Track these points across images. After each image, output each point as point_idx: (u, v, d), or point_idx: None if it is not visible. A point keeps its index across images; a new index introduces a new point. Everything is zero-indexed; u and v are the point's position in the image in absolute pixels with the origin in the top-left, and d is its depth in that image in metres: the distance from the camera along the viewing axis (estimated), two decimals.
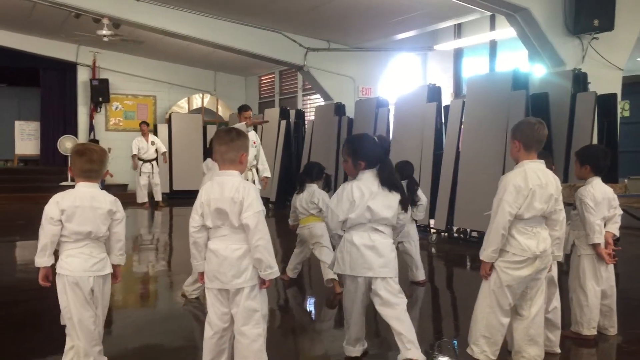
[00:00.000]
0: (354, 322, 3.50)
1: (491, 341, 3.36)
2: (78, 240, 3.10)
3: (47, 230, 3.06)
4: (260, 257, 2.95)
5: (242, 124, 6.97)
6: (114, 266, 3.25)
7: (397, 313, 3.39)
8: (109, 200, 3.19)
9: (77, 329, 3.12)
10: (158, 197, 12.60)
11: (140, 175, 12.39)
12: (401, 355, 3.38)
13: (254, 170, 7.64)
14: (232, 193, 2.95)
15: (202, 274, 3.12)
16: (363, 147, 3.44)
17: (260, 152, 7.77)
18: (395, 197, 3.36)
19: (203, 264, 3.08)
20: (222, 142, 3.08)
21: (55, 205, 3.07)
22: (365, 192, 3.32)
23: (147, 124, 12.91)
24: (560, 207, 3.40)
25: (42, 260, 3.10)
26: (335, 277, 5.07)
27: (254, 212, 2.94)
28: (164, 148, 12.92)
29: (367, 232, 3.34)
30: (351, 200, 3.32)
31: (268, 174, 7.94)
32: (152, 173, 12.50)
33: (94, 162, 3.18)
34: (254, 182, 7.45)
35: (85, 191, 3.15)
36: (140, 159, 12.42)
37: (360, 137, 3.62)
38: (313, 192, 5.31)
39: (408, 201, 3.42)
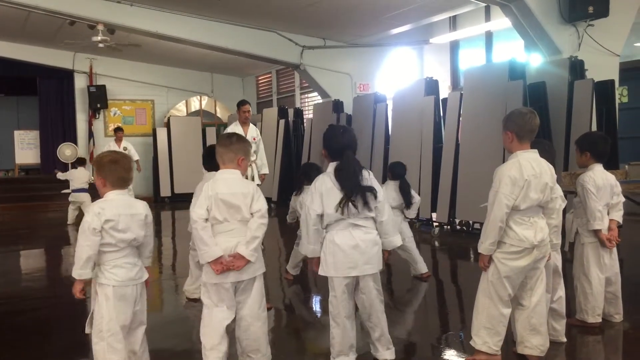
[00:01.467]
0: (341, 330, 3.32)
1: (493, 332, 3.36)
2: (122, 248, 3.07)
3: (91, 242, 2.98)
4: (258, 235, 3.17)
5: (236, 124, 7.39)
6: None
7: (381, 313, 3.39)
8: (143, 206, 3.19)
9: (107, 341, 3.02)
10: None
11: None
12: (381, 355, 3.42)
13: (253, 165, 7.70)
14: (242, 188, 3.20)
15: (217, 261, 3.11)
16: (325, 137, 3.41)
17: (260, 148, 7.84)
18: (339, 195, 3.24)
19: (218, 248, 3.12)
20: (221, 144, 3.32)
21: (97, 217, 2.98)
22: (333, 184, 3.26)
23: (122, 130, 12.81)
24: (556, 195, 3.41)
25: (86, 272, 3.00)
26: None
27: (264, 204, 3.23)
28: (136, 156, 12.64)
29: (347, 230, 3.26)
30: (320, 192, 3.26)
31: (266, 170, 8.00)
32: None
33: (129, 169, 3.18)
34: (252, 178, 7.54)
35: (122, 199, 3.12)
36: None
37: (328, 127, 3.51)
38: None
39: (365, 202, 3.24)
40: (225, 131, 7.96)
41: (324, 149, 3.41)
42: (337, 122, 11.22)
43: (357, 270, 3.26)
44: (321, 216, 3.28)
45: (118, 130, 12.82)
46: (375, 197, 3.28)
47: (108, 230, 3.00)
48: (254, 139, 7.51)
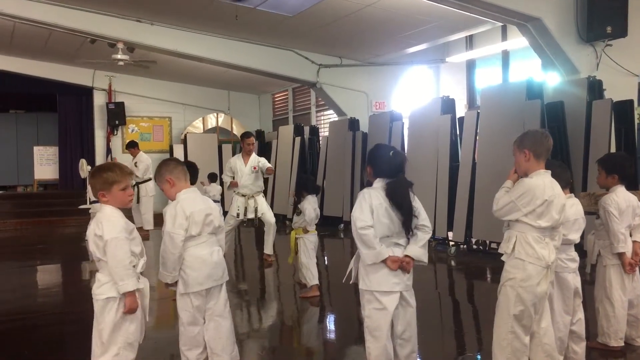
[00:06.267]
0: (382, 344, 3.22)
1: None
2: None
3: None
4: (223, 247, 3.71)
5: (238, 156, 7.96)
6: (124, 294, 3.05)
7: (415, 327, 3.34)
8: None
9: None
10: (146, 226, 11.12)
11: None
12: None
13: (257, 197, 7.84)
14: (209, 203, 3.59)
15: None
16: (373, 155, 3.39)
17: (259, 177, 7.99)
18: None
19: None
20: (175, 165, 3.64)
21: None
22: (383, 201, 3.21)
23: (133, 146, 11.39)
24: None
25: None
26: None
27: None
28: (138, 172, 10.91)
29: (390, 248, 3.22)
30: (370, 205, 3.19)
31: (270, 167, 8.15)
32: (138, 196, 10.98)
33: (93, 178, 3.20)
34: (256, 209, 7.77)
35: (97, 216, 3.17)
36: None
37: (376, 146, 3.49)
38: None
39: (409, 225, 3.24)
40: (227, 162, 8.25)
41: (369, 167, 3.36)
42: (352, 140, 11.27)
43: (401, 285, 3.24)
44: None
45: (130, 146, 11.57)
46: (417, 217, 3.26)
47: None
48: (255, 168, 7.79)
